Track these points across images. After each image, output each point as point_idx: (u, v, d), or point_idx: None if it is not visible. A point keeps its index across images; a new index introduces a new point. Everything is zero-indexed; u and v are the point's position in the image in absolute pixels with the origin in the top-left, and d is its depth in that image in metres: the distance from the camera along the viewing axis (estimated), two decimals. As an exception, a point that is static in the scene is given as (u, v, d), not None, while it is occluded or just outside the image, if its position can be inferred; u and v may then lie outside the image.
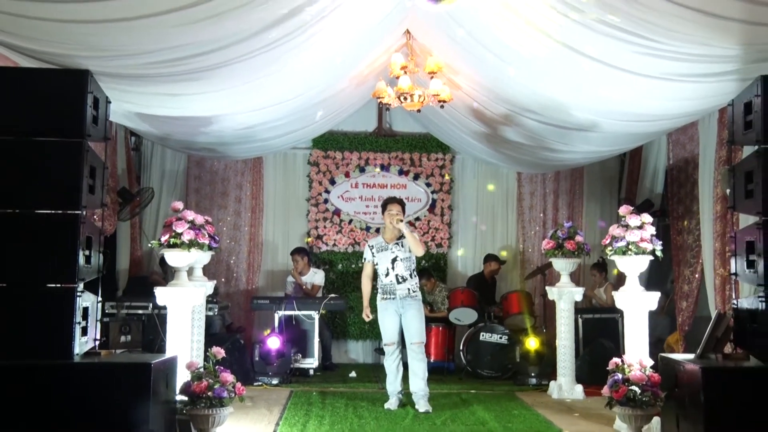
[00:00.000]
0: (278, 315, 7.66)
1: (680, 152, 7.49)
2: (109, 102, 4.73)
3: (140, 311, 7.18)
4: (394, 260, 6.08)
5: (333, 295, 8.17)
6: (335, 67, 6.34)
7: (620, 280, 7.26)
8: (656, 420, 4.97)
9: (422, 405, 5.95)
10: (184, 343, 5.35)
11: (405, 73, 6.11)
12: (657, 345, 7.05)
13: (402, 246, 6.10)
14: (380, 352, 8.72)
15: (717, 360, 4.66)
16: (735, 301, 4.92)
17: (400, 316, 6.07)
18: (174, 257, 5.35)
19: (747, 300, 4.66)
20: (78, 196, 4.21)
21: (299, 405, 6.19)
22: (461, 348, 7.92)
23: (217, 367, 4.82)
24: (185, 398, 4.71)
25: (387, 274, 6.10)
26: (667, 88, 5.24)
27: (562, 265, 6.83)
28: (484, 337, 7.77)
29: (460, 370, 7.96)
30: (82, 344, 4.31)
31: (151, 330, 7.01)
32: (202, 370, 4.82)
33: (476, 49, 5.77)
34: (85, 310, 4.37)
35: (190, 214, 5.37)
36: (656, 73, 5.00)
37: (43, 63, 4.56)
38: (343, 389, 7.05)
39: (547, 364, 7.34)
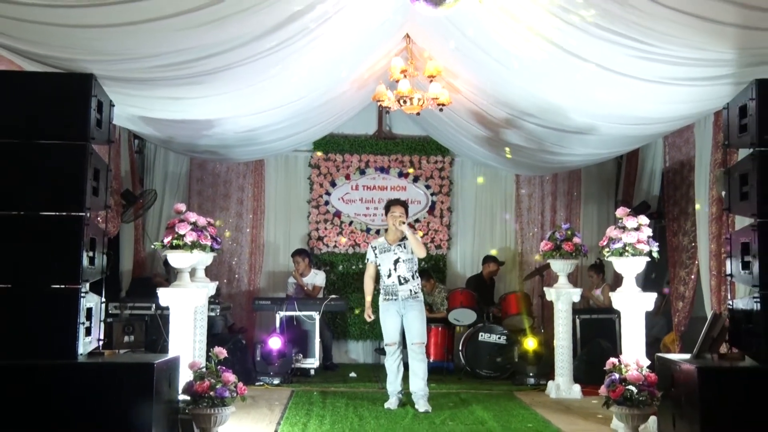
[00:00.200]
0: (279, 315, 7.66)
1: (676, 155, 7.49)
2: (113, 105, 4.74)
3: (143, 312, 7.19)
4: (396, 261, 6.08)
5: (333, 296, 8.17)
6: (336, 71, 6.36)
7: (617, 281, 7.27)
8: (653, 419, 4.98)
9: (422, 405, 5.95)
10: (187, 344, 5.35)
11: (405, 76, 6.13)
12: (654, 345, 7.06)
13: (404, 247, 6.10)
14: (380, 352, 8.74)
15: (713, 360, 4.66)
16: (730, 302, 4.92)
17: (402, 317, 6.07)
18: (176, 258, 5.35)
19: (742, 301, 4.67)
20: (82, 198, 4.21)
21: (300, 404, 6.19)
22: (460, 348, 7.92)
23: (219, 367, 4.82)
24: (188, 398, 4.71)
25: (389, 275, 6.10)
26: (663, 91, 5.25)
27: (560, 267, 6.83)
28: (483, 337, 7.77)
29: (459, 370, 7.96)
30: (85, 344, 4.31)
31: (154, 330, 7.01)
32: (204, 370, 4.82)
33: (475, 53, 5.78)
34: (89, 310, 4.37)
35: (193, 216, 5.37)
36: (652, 77, 5.01)
37: (48, 67, 4.57)
38: (343, 389, 7.05)
39: (545, 364, 7.34)
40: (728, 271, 4.83)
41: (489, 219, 9.52)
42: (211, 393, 4.63)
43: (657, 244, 5.39)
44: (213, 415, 4.64)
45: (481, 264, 8.95)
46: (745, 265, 4.50)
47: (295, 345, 7.52)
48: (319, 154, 9.28)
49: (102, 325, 4.69)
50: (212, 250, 5.50)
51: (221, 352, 4.91)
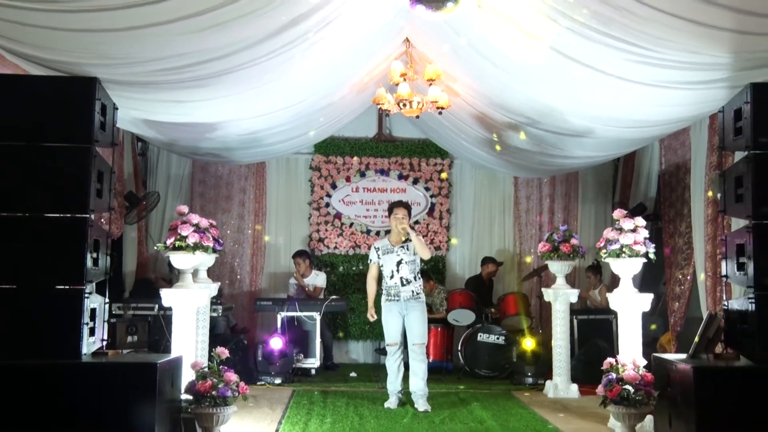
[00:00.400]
0: (281, 316, 7.67)
1: (672, 157, 7.50)
2: (117, 108, 4.76)
3: (146, 312, 7.19)
4: (399, 263, 6.08)
5: (334, 296, 8.18)
6: (336, 75, 6.37)
7: (614, 281, 7.27)
8: (649, 418, 4.99)
9: (421, 404, 5.95)
10: (189, 344, 5.36)
11: (404, 80, 6.13)
12: (650, 345, 7.06)
13: (407, 249, 6.10)
14: (380, 352, 8.75)
15: (708, 360, 4.67)
16: (726, 303, 4.94)
17: (404, 318, 6.08)
18: (179, 260, 5.36)
19: (737, 301, 4.68)
20: (86, 200, 4.23)
21: (301, 404, 6.20)
22: (459, 348, 7.92)
23: (221, 366, 4.83)
24: (190, 397, 4.71)
25: (392, 276, 6.10)
26: (660, 94, 5.26)
27: (558, 268, 6.84)
28: (482, 337, 7.77)
29: (459, 370, 7.96)
30: (90, 344, 4.33)
31: (157, 330, 7.01)
32: (206, 369, 4.83)
33: (473, 56, 5.79)
34: (93, 311, 4.39)
35: (195, 218, 5.38)
36: (649, 81, 5.02)
37: (53, 71, 4.58)
38: (344, 388, 7.06)
39: (543, 364, 7.34)
40: (723, 272, 4.85)
41: (488, 221, 9.52)
42: (214, 392, 4.64)
43: (653, 245, 5.40)
44: (215, 415, 4.65)
45: (480, 265, 8.95)
46: (740, 266, 4.52)
47: (296, 345, 7.53)
48: (320, 156, 9.29)
49: (105, 325, 4.71)
50: (214, 251, 5.50)
51: (223, 352, 4.92)
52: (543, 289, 7.18)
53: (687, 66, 4.65)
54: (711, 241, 6.11)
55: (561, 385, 6.71)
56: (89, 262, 4.23)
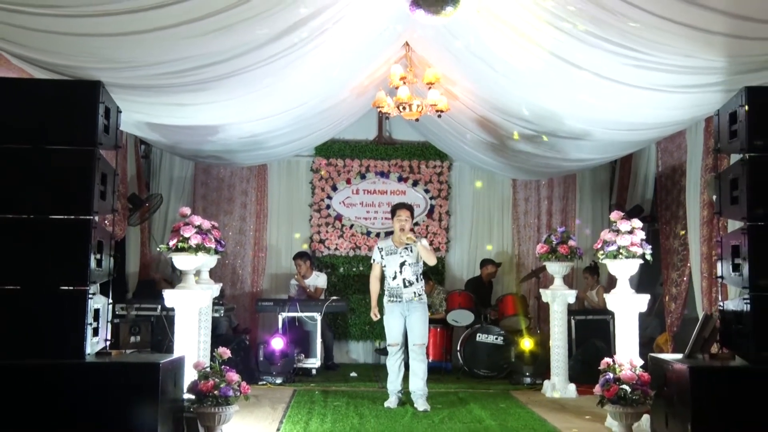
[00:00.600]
0: (282, 316, 7.67)
1: (668, 160, 7.51)
2: (120, 112, 4.76)
3: (149, 313, 7.18)
4: (402, 264, 6.07)
5: (335, 297, 8.18)
6: (337, 78, 6.37)
7: (611, 282, 7.28)
8: (646, 417, 4.99)
9: (421, 404, 5.95)
10: (192, 344, 5.36)
11: (404, 83, 6.15)
12: (647, 345, 7.06)
13: (411, 251, 6.08)
14: (380, 352, 8.75)
15: (704, 360, 4.67)
16: (721, 303, 4.94)
17: (405, 318, 6.07)
18: (181, 261, 5.36)
19: (733, 302, 4.68)
20: (90, 201, 4.23)
21: (302, 403, 6.20)
22: (458, 348, 7.92)
23: (223, 366, 4.83)
24: (192, 396, 4.72)
25: (395, 278, 6.09)
26: (656, 98, 5.27)
27: (556, 269, 6.84)
28: (481, 338, 7.78)
29: (458, 370, 7.97)
30: (93, 344, 4.32)
31: (160, 331, 7.01)
32: (208, 369, 4.83)
33: (472, 60, 5.80)
34: (97, 311, 4.39)
35: (197, 220, 5.38)
36: (645, 84, 5.03)
37: (57, 74, 4.59)
38: (344, 388, 7.06)
39: (541, 364, 7.34)
40: (719, 273, 4.85)
41: (486, 222, 9.53)
42: (216, 392, 4.64)
43: (650, 246, 5.40)
44: (217, 414, 4.65)
45: (479, 267, 8.96)
46: (736, 268, 4.52)
47: (297, 345, 7.53)
48: (321, 158, 9.29)
49: (109, 325, 4.70)
50: (216, 252, 5.50)
51: (225, 352, 4.92)
52: (541, 290, 7.18)
53: (683, 70, 4.67)
54: (707, 243, 6.12)
55: (559, 384, 6.71)
56: (93, 264, 4.23)
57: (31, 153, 4.25)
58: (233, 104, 5.92)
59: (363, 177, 9.35)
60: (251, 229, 9.23)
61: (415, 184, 9.36)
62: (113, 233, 4.91)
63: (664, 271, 7.37)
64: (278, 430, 5.23)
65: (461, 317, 7.95)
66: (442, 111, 6.29)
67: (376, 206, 9.27)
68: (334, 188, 9.31)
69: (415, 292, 6.06)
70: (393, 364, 6.12)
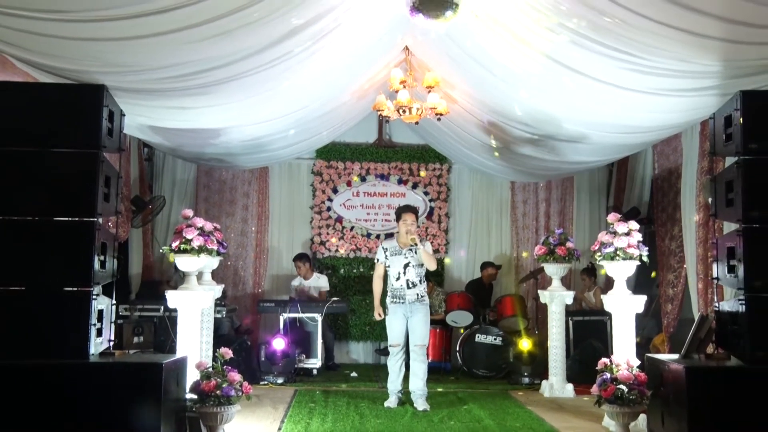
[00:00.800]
0: (283, 317, 7.67)
1: (665, 163, 7.52)
2: (124, 115, 4.77)
3: (152, 313, 7.19)
4: (406, 266, 6.07)
5: (335, 298, 8.18)
6: (337, 82, 6.39)
7: (609, 284, 7.28)
8: (642, 417, 4.99)
9: (420, 404, 5.95)
10: (194, 344, 5.36)
11: (404, 87, 6.16)
12: (644, 346, 7.07)
13: (415, 253, 6.06)
14: (380, 352, 8.75)
15: (700, 360, 4.69)
16: (717, 304, 4.95)
17: (407, 319, 6.08)
18: (184, 262, 5.37)
19: (728, 303, 4.69)
20: (94, 204, 4.24)
21: (303, 403, 6.20)
22: (458, 349, 7.93)
23: (225, 366, 4.83)
24: (195, 396, 4.72)
25: (398, 278, 6.09)
26: (652, 101, 5.28)
27: (554, 270, 6.85)
28: (480, 338, 7.78)
29: (457, 370, 7.97)
30: (97, 345, 4.33)
31: (163, 331, 7.02)
32: (210, 369, 4.83)
33: (471, 65, 5.81)
34: (100, 312, 4.39)
35: (200, 222, 5.38)
36: (642, 88, 5.04)
37: (62, 78, 4.60)
38: (345, 388, 7.06)
39: (539, 364, 7.35)
40: (715, 275, 4.86)
41: (485, 224, 9.53)
42: (218, 392, 4.65)
43: (647, 248, 5.41)
44: (219, 413, 4.66)
45: (480, 270, 8.96)
46: (731, 269, 4.53)
47: (298, 346, 7.53)
48: (322, 161, 9.30)
49: (112, 326, 4.71)
50: (218, 254, 5.51)
51: (227, 352, 4.92)
52: (539, 291, 7.19)
53: (679, 74, 4.68)
54: (702, 245, 6.12)
55: (557, 384, 6.71)
56: (97, 265, 4.24)
57: (36, 156, 4.26)
58: (235, 108, 5.93)
59: (363, 179, 9.36)
60: (253, 231, 9.24)
61: (414, 186, 9.37)
62: (117, 235, 4.93)
63: (661, 272, 7.37)
64: (279, 429, 5.23)
65: (460, 318, 7.95)
66: (441, 114, 6.31)
67: (376, 208, 9.28)
68: (335, 190, 9.32)
69: (418, 294, 6.06)
70: (394, 364, 6.12)
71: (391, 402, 6.06)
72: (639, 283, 7.53)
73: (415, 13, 4.48)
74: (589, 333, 7.72)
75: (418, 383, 6.01)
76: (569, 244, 6.71)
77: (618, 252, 5.30)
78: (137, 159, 8.05)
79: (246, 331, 8.34)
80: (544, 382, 6.87)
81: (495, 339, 7.74)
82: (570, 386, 6.71)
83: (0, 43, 4.13)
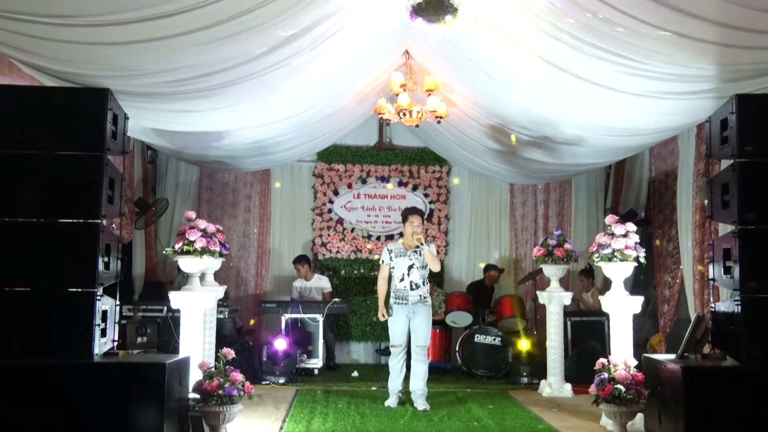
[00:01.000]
0: (285, 318, 7.68)
1: (661, 165, 7.53)
2: (127, 118, 4.78)
3: (155, 314, 7.20)
4: (410, 267, 6.07)
5: (336, 299, 8.19)
6: (338, 85, 6.40)
7: (606, 285, 7.28)
8: (640, 416, 5.00)
9: (420, 403, 5.96)
10: (197, 344, 5.35)
11: (404, 90, 6.17)
12: (641, 346, 7.07)
13: (420, 255, 6.07)
14: (380, 353, 8.76)
15: (696, 360, 4.69)
16: (713, 305, 4.95)
17: (410, 320, 6.08)
18: (187, 263, 5.36)
19: (724, 303, 4.69)
20: (98, 206, 4.25)
21: (304, 403, 6.20)
22: (457, 349, 7.93)
23: (227, 366, 4.83)
24: (197, 396, 4.72)
25: (402, 280, 6.09)
26: (649, 105, 5.29)
27: (552, 271, 6.85)
28: (479, 338, 7.78)
29: (456, 370, 7.97)
30: (101, 345, 4.34)
31: (166, 332, 7.03)
32: (213, 369, 4.83)
33: (471, 68, 5.82)
34: (104, 312, 4.40)
35: (202, 223, 5.38)
36: (639, 91, 5.04)
37: (67, 82, 4.61)
38: (345, 388, 7.06)
39: (537, 364, 7.35)
40: (711, 276, 4.86)
41: (485, 226, 9.54)
42: (220, 391, 4.65)
43: (644, 249, 5.41)
44: (221, 413, 4.66)
45: (483, 272, 8.96)
46: (727, 270, 4.53)
47: (299, 346, 7.54)
48: (323, 164, 9.31)
49: (116, 326, 4.71)
50: (221, 255, 5.51)
51: (229, 352, 4.92)
52: (538, 292, 7.19)
53: (675, 77, 4.68)
54: (699, 246, 6.13)
55: (555, 384, 6.71)
56: (101, 266, 4.24)
57: (41, 158, 4.27)
58: (237, 111, 5.94)
59: (364, 182, 9.37)
60: (255, 233, 9.26)
61: (414, 188, 9.38)
62: (120, 236, 4.93)
63: (657, 273, 7.37)
64: (281, 428, 5.23)
65: (460, 318, 7.96)
66: (441, 117, 6.32)
67: (377, 210, 9.29)
68: (336, 192, 9.33)
69: (421, 295, 6.06)
70: (395, 364, 6.12)
71: (392, 401, 6.06)
72: (636, 284, 7.54)
73: (416, 18, 4.48)
74: (587, 333, 7.72)
75: (418, 383, 6.02)
76: (567, 246, 6.72)
77: (615, 253, 5.30)
78: (141, 161, 8.06)
79: (248, 332, 8.34)
80: (542, 381, 6.88)
81: (494, 339, 7.74)
82: (568, 386, 6.71)
83: (6, 48, 4.15)
